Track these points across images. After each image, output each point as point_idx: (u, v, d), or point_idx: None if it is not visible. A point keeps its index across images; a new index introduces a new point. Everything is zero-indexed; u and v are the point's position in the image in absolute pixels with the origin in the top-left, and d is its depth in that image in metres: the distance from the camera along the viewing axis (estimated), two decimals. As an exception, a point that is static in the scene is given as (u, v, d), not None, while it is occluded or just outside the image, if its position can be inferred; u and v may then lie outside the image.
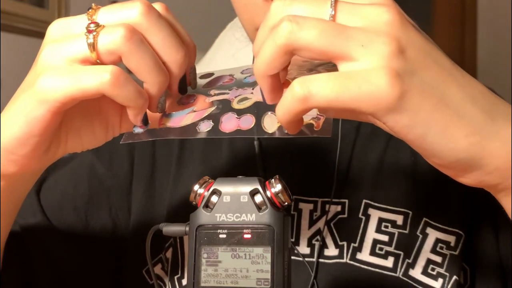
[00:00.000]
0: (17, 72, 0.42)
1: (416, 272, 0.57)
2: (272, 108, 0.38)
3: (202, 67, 0.80)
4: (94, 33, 0.38)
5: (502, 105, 0.37)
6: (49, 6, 2.00)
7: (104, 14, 0.40)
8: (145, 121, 0.41)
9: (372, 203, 0.58)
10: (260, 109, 0.40)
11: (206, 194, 0.40)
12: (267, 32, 0.36)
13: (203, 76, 0.46)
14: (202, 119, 0.41)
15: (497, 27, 2.55)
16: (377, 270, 0.57)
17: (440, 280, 0.56)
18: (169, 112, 0.43)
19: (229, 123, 0.40)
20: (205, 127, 0.41)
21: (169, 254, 0.60)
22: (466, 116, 0.34)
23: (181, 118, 0.42)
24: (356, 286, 0.56)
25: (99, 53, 0.38)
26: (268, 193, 0.39)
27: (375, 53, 0.33)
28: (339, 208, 0.59)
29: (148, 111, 0.41)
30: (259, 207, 0.39)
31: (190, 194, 0.40)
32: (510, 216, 0.39)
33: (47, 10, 1.99)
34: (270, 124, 0.38)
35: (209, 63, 0.80)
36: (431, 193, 0.59)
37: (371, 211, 0.58)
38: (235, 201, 0.39)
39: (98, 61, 0.39)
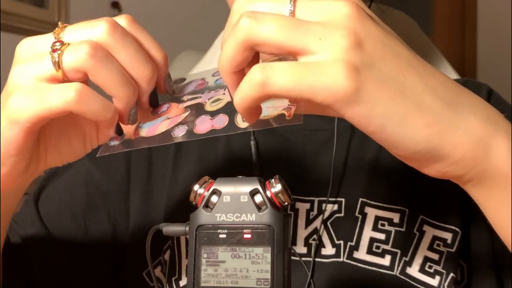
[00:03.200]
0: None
1: (414, 270, 0.57)
2: None
3: (202, 67, 0.80)
4: (59, 52, 0.38)
5: (466, 96, 0.36)
6: (49, 6, 2.00)
7: (70, 33, 0.40)
8: (118, 131, 0.42)
9: (369, 201, 0.58)
10: (233, 109, 0.40)
11: (206, 194, 0.40)
12: (230, 30, 0.36)
13: (175, 82, 0.46)
14: (177, 125, 0.41)
15: (497, 27, 2.55)
16: (374, 268, 0.57)
17: (438, 278, 0.57)
18: (143, 122, 0.43)
19: (203, 125, 0.41)
20: (180, 132, 0.41)
21: (167, 256, 0.61)
22: (425, 107, 0.34)
23: (156, 126, 0.42)
24: (353, 285, 0.56)
25: (64, 71, 0.38)
26: (268, 193, 0.39)
27: (333, 46, 0.33)
28: (335, 207, 0.59)
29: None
30: (259, 207, 0.39)
31: (188, 195, 0.40)
32: (481, 207, 0.38)
33: (47, 10, 2.00)
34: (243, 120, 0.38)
35: (209, 63, 0.80)
36: (427, 191, 0.59)
37: (367, 209, 0.58)
38: (235, 201, 0.39)
39: (65, 79, 0.39)
